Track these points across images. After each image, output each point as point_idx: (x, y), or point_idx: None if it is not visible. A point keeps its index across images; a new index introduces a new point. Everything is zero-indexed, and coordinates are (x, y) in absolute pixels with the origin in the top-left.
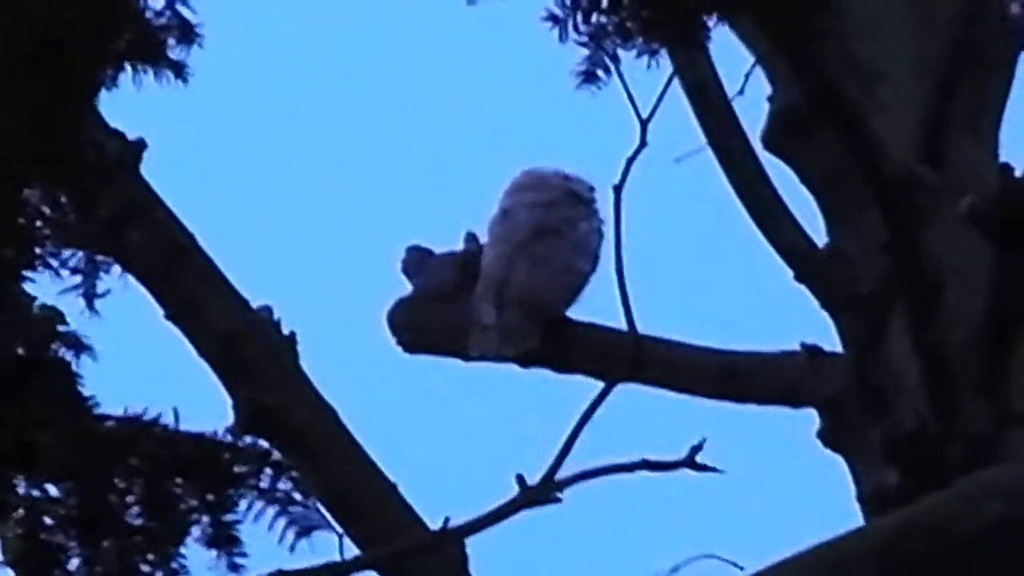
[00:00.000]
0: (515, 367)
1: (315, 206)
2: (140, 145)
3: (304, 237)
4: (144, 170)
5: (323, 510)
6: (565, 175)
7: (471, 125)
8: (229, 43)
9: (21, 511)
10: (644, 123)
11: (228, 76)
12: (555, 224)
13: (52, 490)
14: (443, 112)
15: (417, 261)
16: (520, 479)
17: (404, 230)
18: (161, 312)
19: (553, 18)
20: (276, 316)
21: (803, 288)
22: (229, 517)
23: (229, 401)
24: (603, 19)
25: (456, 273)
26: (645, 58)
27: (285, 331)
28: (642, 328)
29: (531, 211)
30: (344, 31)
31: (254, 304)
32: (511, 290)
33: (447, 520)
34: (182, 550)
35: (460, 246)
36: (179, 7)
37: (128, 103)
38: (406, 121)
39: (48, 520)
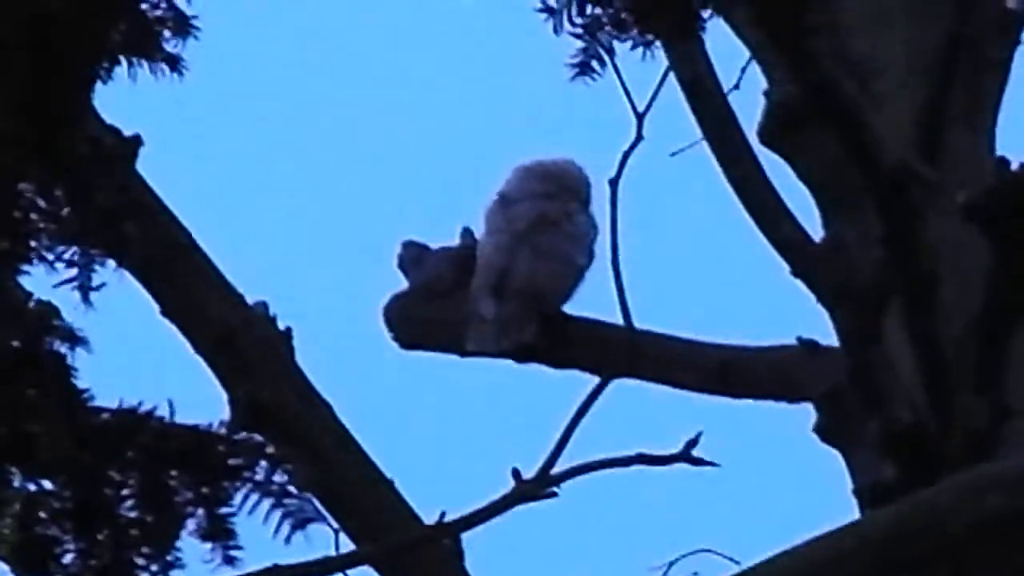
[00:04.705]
0: (511, 362)
1: (311, 201)
2: (136, 142)
3: (300, 232)
4: (139, 164)
5: (318, 504)
6: (566, 166)
7: (466, 118)
8: (225, 36)
9: (16, 504)
10: (640, 117)
11: (223, 69)
12: (556, 216)
13: (47, 483)
14: (438, 105)
15: (413, 256)
16: (516, 473)
17: (400, 225)
18: (157, 308)
19: (548, 9)
20: (272, 312)
21: (799, 282)
22: (224, 510)
23: (225, 396)
24: (598, 10)
25: (452, 268)
26: (640, 50)
27: (281, 327)
28: (638, 323)
29: (531, 202)
30: (339, 23)
31: (250, 300)
32: (513, 281)
33: (443, 515)
34: (177, 543)
35: (456, 241)
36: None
37: (123, 96)
38: (401, 115)
39: (43, 513)
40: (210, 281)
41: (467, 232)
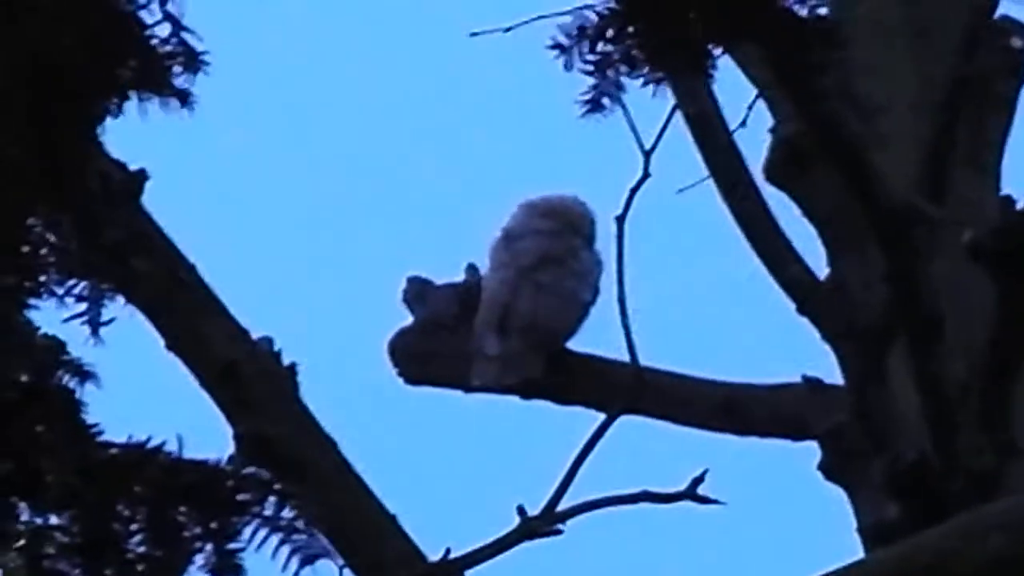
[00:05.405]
0: (516, 398)
1: (317, 236)
2: (142, 176)
3: (305, 267)
4: (146, 198)
5: (325, 539)
6: (570, 203)
7: (475, 154)
8: (235, 71)
9: (23, 539)
10: (647, 154)
11: (233, 104)
12: (560, 253)
13: (55, 518)
14: (446, 141)
15: (418, 292)
16: (521, 510)
17: (405, 261)
18: (162, 342)
19: (559, 46)
20: (277, 347)
21: (805, 320)
22: (233, 545)
23: (231, 432)
24: (609, 48)
25: (457, 304)
26: (650, 87)
27: (286, 362)
28: (644, 360)
29: (537, 238)
30: (348, 61)
31: (255, 335)
32: (515, 318)
33: (447, 551)
34: None
35: (461, 277)
36: (185, 35)
37: (132, 130)
38: (407, 150)
39: (50, 548)
40: (215, 315)
41: (472, 268)
